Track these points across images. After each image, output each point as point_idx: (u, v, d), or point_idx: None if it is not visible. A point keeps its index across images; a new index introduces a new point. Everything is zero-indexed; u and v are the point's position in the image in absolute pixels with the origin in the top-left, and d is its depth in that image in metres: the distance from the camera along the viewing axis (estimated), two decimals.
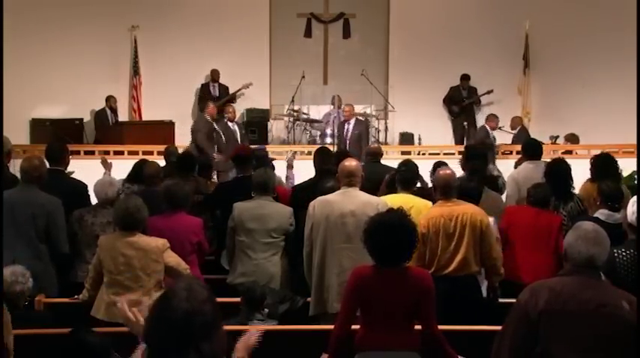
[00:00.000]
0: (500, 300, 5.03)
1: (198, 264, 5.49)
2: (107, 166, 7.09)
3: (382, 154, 8.04)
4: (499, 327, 3.64)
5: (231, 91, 13.30)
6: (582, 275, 3.11)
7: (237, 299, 4.83)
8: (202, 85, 13.48)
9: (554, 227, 5.53)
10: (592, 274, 3.12)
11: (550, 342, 3.03)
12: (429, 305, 3.83)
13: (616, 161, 6.34)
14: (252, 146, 9.69)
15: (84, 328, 3.85)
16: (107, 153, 10.69)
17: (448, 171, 5.12)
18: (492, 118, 11.76)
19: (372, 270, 3.82)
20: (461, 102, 13.54)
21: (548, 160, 6.79)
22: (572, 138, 11.80)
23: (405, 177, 5.78)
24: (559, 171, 6.12)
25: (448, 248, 4.88)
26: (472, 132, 13.39)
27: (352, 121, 11.32)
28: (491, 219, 5.16)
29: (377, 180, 6.28)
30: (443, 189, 5.02)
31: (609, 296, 3.07)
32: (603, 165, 6.22)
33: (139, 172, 6.68)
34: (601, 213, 5.25)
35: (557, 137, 12.10)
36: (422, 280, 3.84)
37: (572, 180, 6.14)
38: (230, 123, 11.40)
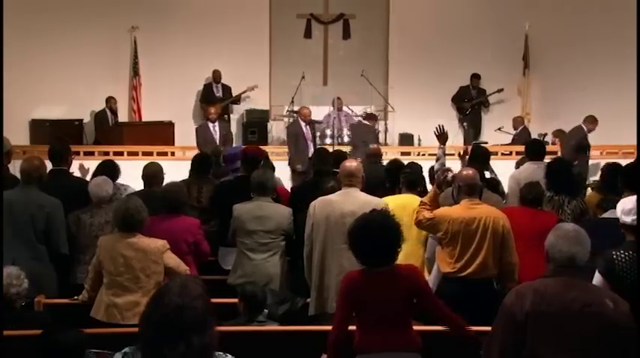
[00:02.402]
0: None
1: (199, 264, 5.49)
2: (84, 172, 7.05)
3: (382, 155, 8.06)
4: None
5: (234, 92, 13.30)
6: (565, 275, 3.12)
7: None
8: (205, 85, 13.47)
9: (551, 227, 5.50)
10: (574, 274, 3.13)
11: (537, 344, 3.03)
12: (428, 296, 3.95)
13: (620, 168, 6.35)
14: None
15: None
16: (107, 153, 10.70)
17: (470, 172, 5.10)
18: (592, 120, 10.71)
19: (361, 273, 3.82)
20: (470, 101, 13.55)
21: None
22: (560, 134, 11.81)
23: (410, 179, 5.83)
24: (560, 170, 6.12)
25: (468, 250, 4.85)
26: (471, 133, 13.42)
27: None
28: None
29: (376, 181, 6.29)
30: (467, 189, 4.99)
31: (593, 295, 3.09)
32: (612, 177, 6.22)
33: (104, 172, 6.51)
34: (606, 213, 5.29)
35: (545, 135, 12.09)
36: (413, 277, 3.85)
37: (575, 178, 6.15)
38: (211, 124, 11.42)
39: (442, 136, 6.78)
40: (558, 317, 3.03)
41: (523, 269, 5.14)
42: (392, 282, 3.76)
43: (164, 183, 6.12)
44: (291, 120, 12.41)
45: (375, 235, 3.73)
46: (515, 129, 12.53)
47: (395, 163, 6.95)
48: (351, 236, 3.83)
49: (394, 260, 3.80)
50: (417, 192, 5.83)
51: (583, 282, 3.14)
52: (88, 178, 6.80)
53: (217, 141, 11.10)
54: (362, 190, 5.02)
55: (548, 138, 11.98)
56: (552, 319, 3.02)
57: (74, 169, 7.13)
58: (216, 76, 13.32)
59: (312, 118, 12.99)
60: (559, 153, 10.60)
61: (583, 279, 3.15)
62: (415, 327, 3.93)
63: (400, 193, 5.89)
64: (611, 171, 6.36)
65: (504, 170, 7.78)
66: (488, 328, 4.46)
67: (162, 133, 12.09)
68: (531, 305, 3.04)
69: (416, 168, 6.14)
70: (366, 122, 11.69)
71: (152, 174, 6.39)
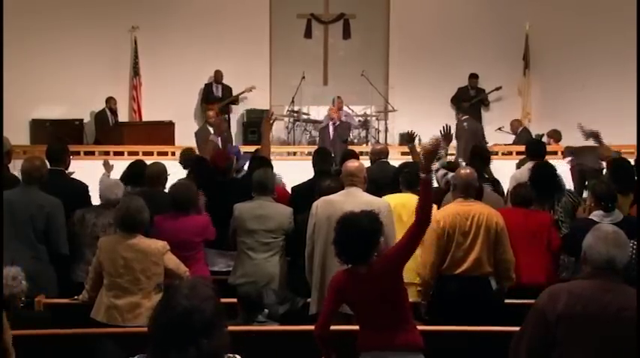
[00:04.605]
0: (507, 301, 4.99)
1: None
2: (108, 168, 7.06)
3: (388, 154, 8.02)
4: (504, 328, 3.62)
5: (234, 92, 13.30)
6: (602, 278, 3.06)
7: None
8: (205, 85, 13.49)
9: (544, 225, 5.51)
10: (612, 277, 3.07)
11: (569, 346, 3.00)
12: (399, 252, 3.84)
13: (631, 165, 6.31)
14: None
15: None
16: (107, 153, 10.70)
17: (468, 171, 5.13)
18: None
19: (345, 274, 3.82)
20: (469, 101, 13.54)
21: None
22: (555, 135, 11.78)
23: (409, 179, 5.82)
24: (544, 176, 6.10)
25: (462, 247, 4.86)
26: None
27: None
28: None
29: (382, 180, 6.27)
30: (463, 188, 5.01)
31: (629, 299, 3.02)
32: (621, 173, 6.17)
33: (135, 173, 6.59)
34: (595, 215, 5.23)
35: (542, 135, 12.07)
36: (387, 277, 3.78)
37: (558, 179, 6.15)
38: (211, 128, 11.36)
39: (447, 136, 6.81)
40: (592, 320, 2.98)
41: (518, 269, 5.16)
42: (369, 283, 3.74)
43: (169, 183, 6.13)
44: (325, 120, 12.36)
45: (349, 232, 3.73)
46: (514, 133, 12.52)
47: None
48: (334, 231, 3.86)
49: (366, 260, 3.75)
50: (416, 191, 5.82)
51: (620, 285, 3.07)
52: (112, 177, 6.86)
53: (219, 145, 11.03)
54: (365, 190, 5.01)
55: (545, 139, 11.96)
56: (586, 322, 2.98)
57: (99, 167, 7.21)
58: (218, 76, 13.36)
59: (312, 118, 13.05)
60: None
61: (620, 282, 3.09)
62: (418, 327, 3.92)
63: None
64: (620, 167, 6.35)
65: (504, 170, 7.78)
66: (488, 328, 4.49)
67: (162, 133, 12.10)
68: (565, 306, 2.99)
69: (416, 167, 6.14)
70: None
71: (156, 174, 6.34)
